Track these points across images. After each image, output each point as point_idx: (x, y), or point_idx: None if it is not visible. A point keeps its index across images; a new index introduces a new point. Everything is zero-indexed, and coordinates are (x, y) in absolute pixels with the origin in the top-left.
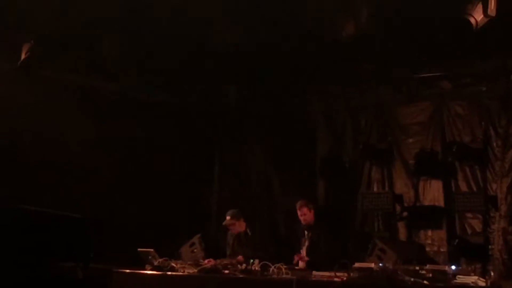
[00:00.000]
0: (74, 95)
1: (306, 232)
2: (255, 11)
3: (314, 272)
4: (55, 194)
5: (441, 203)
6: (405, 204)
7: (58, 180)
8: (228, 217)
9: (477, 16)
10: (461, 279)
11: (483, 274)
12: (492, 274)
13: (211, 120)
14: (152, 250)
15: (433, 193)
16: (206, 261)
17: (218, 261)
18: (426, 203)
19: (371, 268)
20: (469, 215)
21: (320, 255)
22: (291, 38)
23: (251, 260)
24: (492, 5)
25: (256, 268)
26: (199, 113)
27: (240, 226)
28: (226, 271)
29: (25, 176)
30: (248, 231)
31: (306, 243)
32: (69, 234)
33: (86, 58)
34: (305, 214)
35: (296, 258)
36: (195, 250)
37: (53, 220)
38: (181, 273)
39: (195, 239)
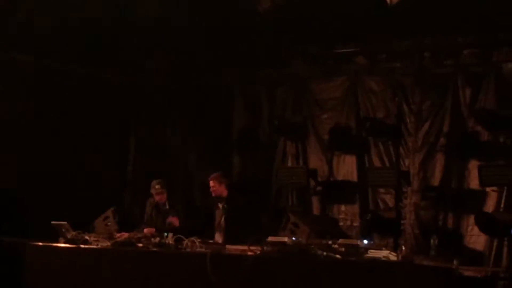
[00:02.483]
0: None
1: (219, 205)
2: None
3: (228, 246)
4: None
5: (354, 178)
6: (319, 179)
7: None
8: (157, 185)
9: None
10: (373, 253)
11: (395, 248)
12: (403, 248)
13: (128, 93)
14: (65, 223)
15: (346, 168)
16: (118, 234)
17: (132, 234)
18: (340, 178)
19: (284, 242)
20: (382, 190)
21: (228, 228)
22: (208, 12)
23: (165, 234)
24: None
25: (170, 242)
26: (116, 85)
27: (165, 197)
28: (140, 245)
29: None
30: (167, 204)
31: (219, 216)
32: None
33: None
34: (214, 186)
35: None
36: (108, 223)
37: None
38: (94, 246)
39: (109, 212)
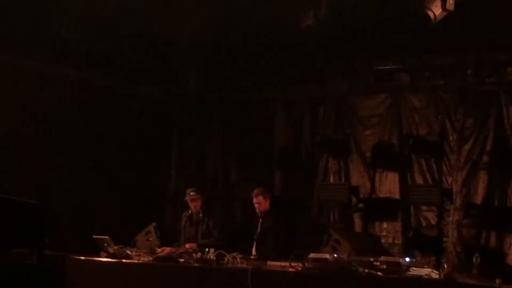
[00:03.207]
0: (28, 80)
1: (260, 221)
2: (215, 2)
3: (269, 262)
4: (9, 181)
5: (396, 195)
6: (361, 196)
7: (12, 166)
8: (192, 192)
9: (436, 10)
10: (415, 271)
11: (437, 266)
12: (445, 266)
13: (170, 108)
14: (107, 237)
15: (389, 185)
16: (160, 249)
17: (173, 249)
18: (382, 195)
19: (326, 259)
20: (424, 207)
21: (268, 244)
22: (250, 30)
23: (206, 249)
24: None
25: (211, 257)
26: (159, 100)
27: (199, 205)
28: (181, 260)
29: None
30: (201, 212)
31: (257, 231)
32: (23, 221)
33: (42, 41)
34: (259, 203)
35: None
36: (150, 238)
37: (7, 206)
38: (136, 261)
39: (151, 227)
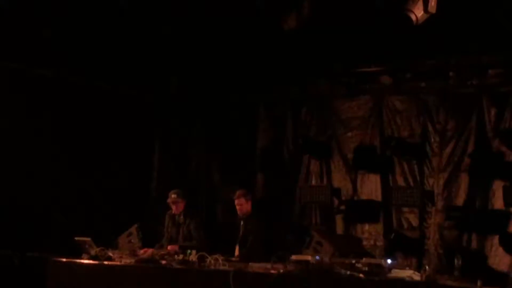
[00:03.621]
0: (14, 81)
1: (242, 223)
2: (197, 2)
3: (251, 264)
4: None
5: (378, 197)
6: (343, 198)
7: None
8: (173, 195)
9: (418, 12)
10: (396, 273)
11: (419, 268)
12: (427, 268)
13: (152, 109)
14: (89, 239)
15: (370, 187)
16: (142, 250)
17: (155, 251)
18: (364, 197)
19: (307, 261)
20: (405, 209)
21: (250, 246)
22: (233, 30)
23: (188, 251)
24: (432, 1)
25: (193, 259)
26: (140, 101)
27: (181, 207)
28: (163, 262)
29: None
30: (182, 214)
31: (246, 232)
32: (5, 222)
33: (27, 43)
34: (241, 205)
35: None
36: (132, 240)
37: None
38: (117, 263)
39: (133, 228)
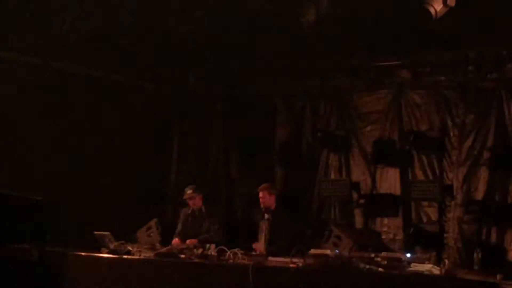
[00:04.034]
0: (34, 75)
1: (265, 216)
2: None
3: (270, 258)
4: (12, 176)
5: (397, 191)
6: (362, 192)
7: (15, 161)
8: (189, 191)
9: (437, 6)
10: (415, 267)
11: (438, 262)
12: (446, 262)
13: (171, 103)
14: (108, 233)
15: (389, 181)
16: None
17: (175, 244)
18: (383, 191)
19: (326, 255)
20: (425, 203)
21: (282, 240)
22: (252, 23)
23: (208, 245)
24: None
25: (213, 253)
26: (159, 95)
27: (198, 202)
28: (182, 256)
29: None
30: (203, 208)
31: (266, 227)
32: (25, 216)
33: (46, 38)
34: (264, 197)
35: (254, 246)
36: (151, 234)
37: (8, 202)
38: (137, 257)
39: (152, 223)
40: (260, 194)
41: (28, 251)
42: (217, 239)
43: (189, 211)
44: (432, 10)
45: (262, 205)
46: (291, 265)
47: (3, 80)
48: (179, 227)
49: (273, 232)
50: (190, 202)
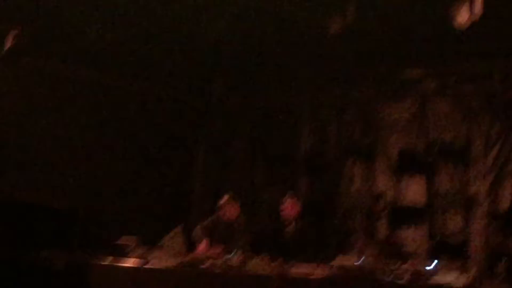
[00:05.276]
0: (57, 83)
1: (291, 226)
2: (242, 4)
3: (294, 268)
4: (36, 184)
5: (422, 201)
6: (386, 202)
7: (38, 170)
8: (225, 197)
9: (463, 16)
10: (440, 278)
11: (462, 273)
12: (471, 273)
13: (196, 111)
14: (134, 239)
15: (414, 191)
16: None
17: (200, 251)
18: (408, 201)
19: (351, 265)
20: (449, 214)
21: (305, 248)
22: (277, 34)
23: (232, 253)
24: (478, 5)
25: (235, 262)
26: (186, 104)
27: (234, 212)
28: (204, 266)
29: (4, 165)
30: (238, 220)
31: (290, 236)
32: (51, 224)
33: (69, 45)
34: (287, 208)
35: None
36: (176, 241)
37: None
38: (160, 266)
39: (177, 229)
40: (284, 205)
41: (53, 259)
42: (242, 248)
43: (223, 217)
44: (458, 20)
45: (286, 216)
46: (315, 275)
47: (16, 83)
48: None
49: (297, 240)
50: (226, 209)
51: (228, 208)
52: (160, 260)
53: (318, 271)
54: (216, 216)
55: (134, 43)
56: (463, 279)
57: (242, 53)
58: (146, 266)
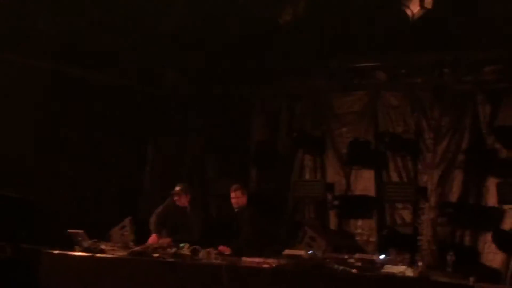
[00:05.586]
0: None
1: (237, 216)
2: None
3: (244, 258)
4: None
5: (372, 192)
6: (337, 193)
7: None
8: (178, 188)
9: (414, 8)
10: (389, 268)
11: (412, 264)
12: (420, 264)
13: (146, 102)
14: (81, 231)
15: (364, 182)
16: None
17: (150, 242)
18: (357, 192)
19: (300, 256)
20: (399, 205)
21: (241, 239)
22: (229, 23)
23: (181, 244)
24: None
25: (186, 252)
26: (134, 94)
27: (184, 201)
28: (156, 255)
29: None
30: (189, 209)
31: (240, 226)
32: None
33: (26, 37)
34: (238, 197)
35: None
36: (125, 233)
37: None
38: (110, 256)
39: (126, 221)
40: (232, 195)
41: (1, 248)
42: (193, 239)
43: (173, 207)
44: (409, 12)
45: (234, 205)
46: (265, 266)
47: None
48: (160, 209)
49: (246, 231)
50: (176, 199)
51: (179, 198)
52: (109, 251)
53: (268, 261)
54: (167, 203)
55: (89, 35)
56: (413, 270)
57: (195, 44)
58: (97, 255)
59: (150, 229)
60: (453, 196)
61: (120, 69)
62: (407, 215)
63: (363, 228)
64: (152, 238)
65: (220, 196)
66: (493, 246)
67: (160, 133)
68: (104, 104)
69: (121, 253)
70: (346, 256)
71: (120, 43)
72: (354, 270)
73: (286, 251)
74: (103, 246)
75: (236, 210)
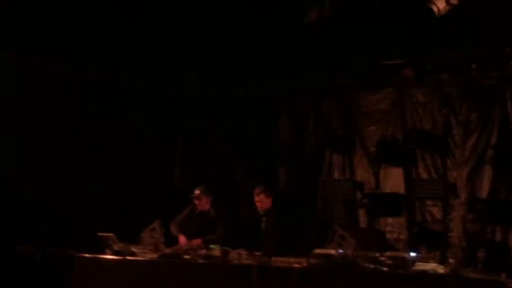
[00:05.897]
0: (38, 78)
1: (264, 219)
2: None
3: (274, 258)
4: (17, 177)
5: (401, 190)
6: (366, 191)
7: (20, 163)
8: (197, 191)
9: (440, 4)
10: (420, 266)
11: (442, 261)
12: (451, 261)
13: (175, 104)
14: (112, 234)
15: (393, 180)
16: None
17: (181, 244)
18: (387, 190)
19: (331, 255)
20: (429, 202)
21: (271, 241)
22: (254, 22)
23: (211, 246)
24: None
25: (217, 254)
26: (163, 97)
27: (205, 204)
28: (187, 257)
29: None
30: (212, 211)
31: (267, 228)
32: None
33: (49, 41)
34: (261, 201)
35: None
36: (155, 235)
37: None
38: (141, 258)
39: (156, 224)
40: (256, 199)
41: (31, 252)
42: (222, 240)
43: (197, 211)
44: (435, 9)
45: (259, 208)
46: (295, 265)
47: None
48: (180, 218)
49: (267, 232)
50: (197, 202)
51: (200, 201)
52: (140, 253)
53: (299, 261)
54: (188, 210)
55: (107, 34)
56: (444, 267)
57: (218, 45)
58: (127, 258)
59: (173, 234)
60: (483, 192)
61: (147, 71)
62: (437, 212)
63: (393, 226)
64: (182, 240)
65: (248, 197)
66: None
67: (187, 135)
68: (132, 107)
69: (152, 256)
70: (376, 254)
71: (148, 45)
72: (385, 268)
73: (317, 251)
74: (133, 249)
75: (261, 213)
